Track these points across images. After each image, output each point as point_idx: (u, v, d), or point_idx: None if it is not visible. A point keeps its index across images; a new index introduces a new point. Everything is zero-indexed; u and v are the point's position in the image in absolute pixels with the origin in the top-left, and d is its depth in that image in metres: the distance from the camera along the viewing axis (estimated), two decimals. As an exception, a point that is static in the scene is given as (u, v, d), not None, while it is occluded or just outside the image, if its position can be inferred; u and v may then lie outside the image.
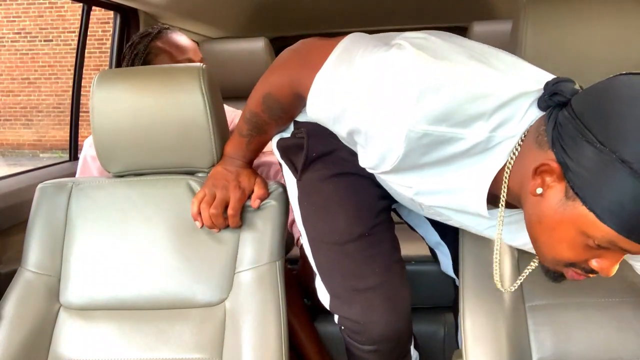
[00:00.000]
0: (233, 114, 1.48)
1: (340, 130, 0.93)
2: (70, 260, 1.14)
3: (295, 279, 1.52)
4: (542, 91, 0.79)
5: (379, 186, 1.09)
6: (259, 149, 1.15)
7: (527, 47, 1.06)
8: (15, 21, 8.89)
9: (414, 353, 1.23)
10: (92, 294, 1.12)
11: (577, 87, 0.76)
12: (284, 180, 1.18)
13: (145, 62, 1.46)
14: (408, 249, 1.27)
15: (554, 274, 0.81)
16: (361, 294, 1.08)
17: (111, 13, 1.87)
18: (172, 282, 1.10)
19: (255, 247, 1.11)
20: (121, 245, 1.13)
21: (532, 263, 0.91)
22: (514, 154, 0.79)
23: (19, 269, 1.15)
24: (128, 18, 1.88)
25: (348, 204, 1.08)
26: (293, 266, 1.62)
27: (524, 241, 0.94)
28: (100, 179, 1.20)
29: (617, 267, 0.76)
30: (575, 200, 0.70)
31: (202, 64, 1.53)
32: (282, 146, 1.14)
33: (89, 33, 1.83)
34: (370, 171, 0.93)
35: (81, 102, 1.82)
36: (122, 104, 1.12)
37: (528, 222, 0.79)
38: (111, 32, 1.93)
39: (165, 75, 1.14)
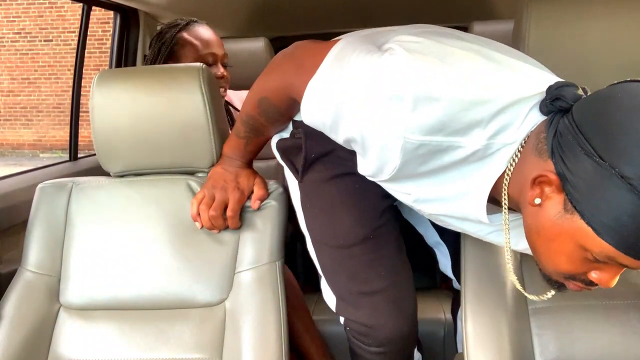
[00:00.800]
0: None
1: (337, 138, 0.91)
2: (70, 260, 1.14)
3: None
4: (544, 94, 0.76)
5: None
6: (257, 150, 1.15)
7: (529, 46, 1.05)
8: (15, 21, 8.90)
9: (416, 355, 1.23)
10: (92, 294, 1.12)
11: (580, 92, 0.74)
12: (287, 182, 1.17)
13: (171, 51, 1.54)
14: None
15: (555, 282, 0.80)
16: (367, 297, 1.07)
17: (111, 13, 1.87)
18: (172, 282, 1.10)
19: (255, 247, 1.11)
20: (121, 245, 1.13)
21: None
22: (513, 160, 0.77)
23: (19, 269, 1.15)
24: (128, 18, 1.88)
25: (351, 206, 1.08)
26: None
27: (526, 246, 0.93)
28: (100, 178, 1.20)
29: (617, 279, 0.74)
30: (574, 214, 0.68)
31: (225, 59, 1.54)
32: (282, 147, 1.13)
33: (89, 33, 1.82)
34: (369, 179, 0.92)
35: (81, 102, 1.82)
36: (122, 103, 1.12)
37: (527, 231, 0.77)
38: (111, 32, 1.93)
39: (165, 75, 1.14)
